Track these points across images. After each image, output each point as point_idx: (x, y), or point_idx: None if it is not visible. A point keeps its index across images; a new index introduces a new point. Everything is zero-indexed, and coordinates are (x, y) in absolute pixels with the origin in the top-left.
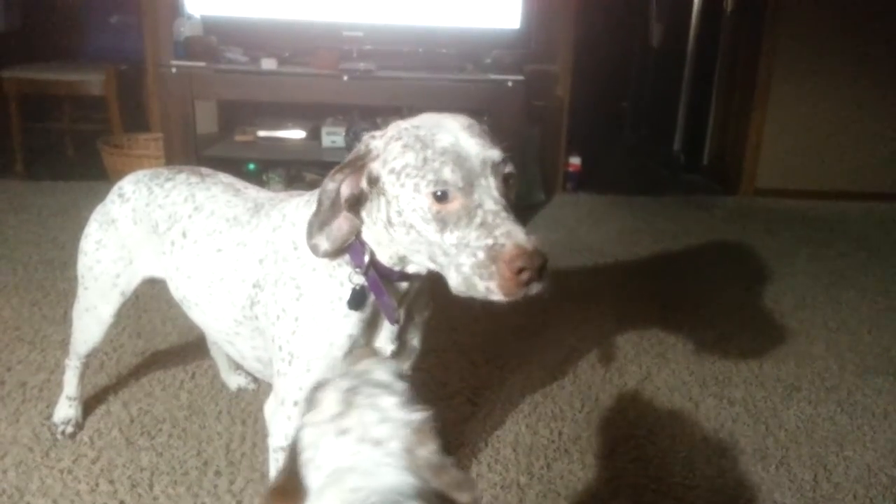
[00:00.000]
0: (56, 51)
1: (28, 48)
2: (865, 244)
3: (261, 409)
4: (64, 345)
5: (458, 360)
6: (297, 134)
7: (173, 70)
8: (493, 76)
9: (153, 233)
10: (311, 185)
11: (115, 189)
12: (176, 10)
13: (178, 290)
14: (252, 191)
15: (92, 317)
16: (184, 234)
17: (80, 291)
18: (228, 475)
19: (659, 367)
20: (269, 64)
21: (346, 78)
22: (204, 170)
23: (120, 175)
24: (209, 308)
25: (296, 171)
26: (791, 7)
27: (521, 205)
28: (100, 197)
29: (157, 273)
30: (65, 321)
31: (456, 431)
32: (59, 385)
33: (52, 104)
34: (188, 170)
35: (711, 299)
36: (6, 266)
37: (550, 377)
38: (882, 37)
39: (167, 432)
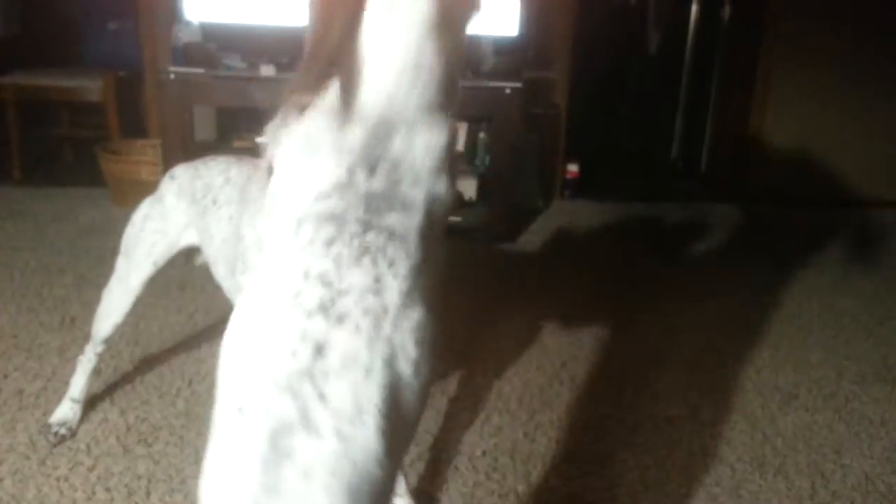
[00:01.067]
0: (54, 57)
1: (26, 54)
2: (863, 252)
3: None
4: (61, 352)
5: (456, 366)
6: None
7: (172, 76)
8: (491, 83)
9: (192, 203)
10: None
11: (168, 172)
12: (174, 17)
13: (206, 251)
14: None
15: (122, 287)
16: (214, 202)
17: (118, 263)
18: None
19: (657, 375)
20: (267, 70)
21: None
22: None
23: (118, 181)
24: (219, 269)
25: None
26: (788, 15)
27: (519, 211)
28: (97, 202)
29: (192, 241)
30: (62, 328)
31: (454, 439)
32: (57, 392)
33: (49, 110)
34: (236, 157)
35: (709, 306)
36: (3, 272)
37: (548, 385)
38: (879, 45)
39: (164, 440)
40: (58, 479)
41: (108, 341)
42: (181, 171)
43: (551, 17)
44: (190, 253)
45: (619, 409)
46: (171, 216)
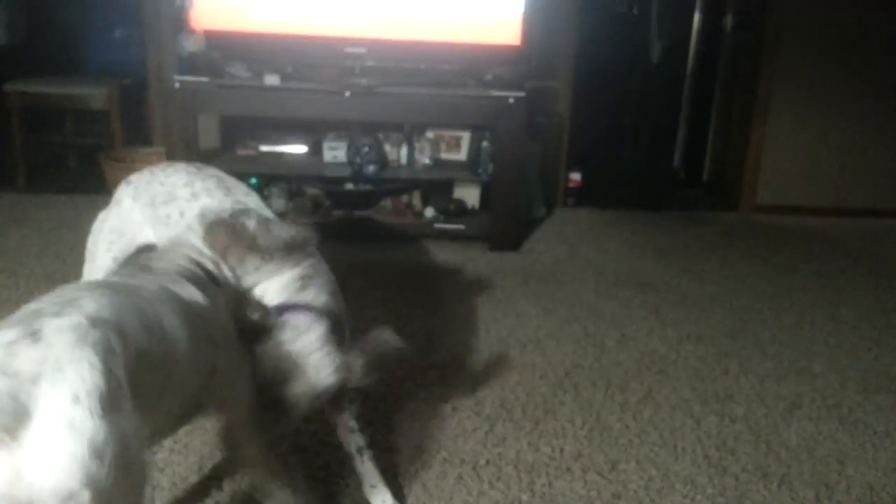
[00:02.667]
0: (59, 65)
1: (31, 62)
2: (865, 261)
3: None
4: None
5: (460, 375)
6: (298, 149)
7: (177, 85)
8: (494, 92)
9: (150, 205)
10: (312, 199)
11: (123, 180)
12: (179, 25)
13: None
14: (239, 193)
15: None
16: (181, 214)
17: (84, 270)
18: (230, 492)
19: (660, 384)
20: (271, 79)
21: (347, 94)
22: (198, 164)
23: None
24: None
25: (297, 185)
26: (790, 25)
27: (521, 219)
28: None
29: (149, 240)
30: None
31: (457, 447)
32: None
33: (54, 118)
34: (185, 163)
35: (712, 316)
36: (8, 280)
37: (552, 394)
38: (880, 55)
39: (168, 448)
40: None
41: None
42: (135, 177)
43: (554, 27)
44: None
45: (623, 418)
46: (125, 217)
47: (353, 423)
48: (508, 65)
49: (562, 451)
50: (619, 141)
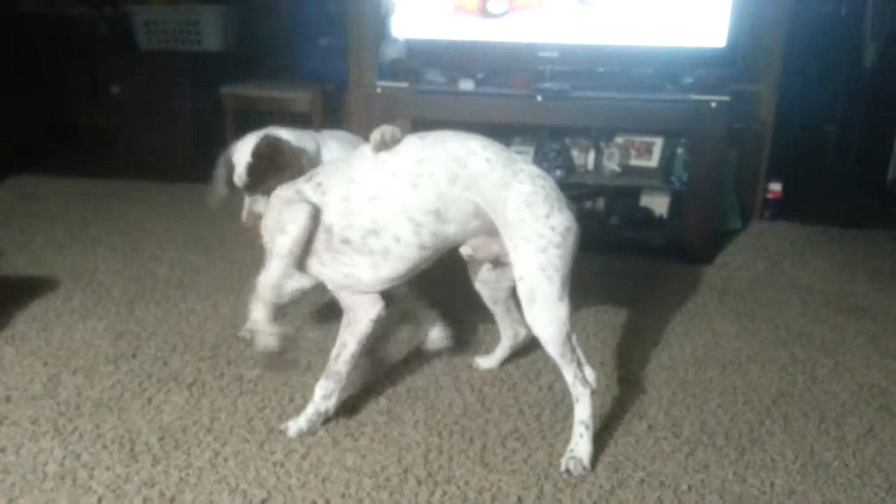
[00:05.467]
0: (269, 69)
1: (244, 66)
2: None
3: (457, 423)
4: None
5: (653, 393)
6: None
7: (378, 90)
8: (694, 96)
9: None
10: None
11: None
12: (380, 34)
13: None
14: None
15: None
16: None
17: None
18: (429, 486)
19: (884, 422)
20: (466, 84)
21: (540, 98)
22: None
23: None
24: None
25: None
26: None
27: (715, 231)
28: None
29: None
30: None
31: (655, 468)
32: (272, 380)
33: (261, 118)
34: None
35: None
36: (225, 266)
37: (758, 422)
38: None
39: (369, 436)
40: (274, 465)
41: None
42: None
43: (761, 28)
44: None
45: (841, 455)
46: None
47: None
48: (710, 67)
49: (772, 485)
50: (823, 150)
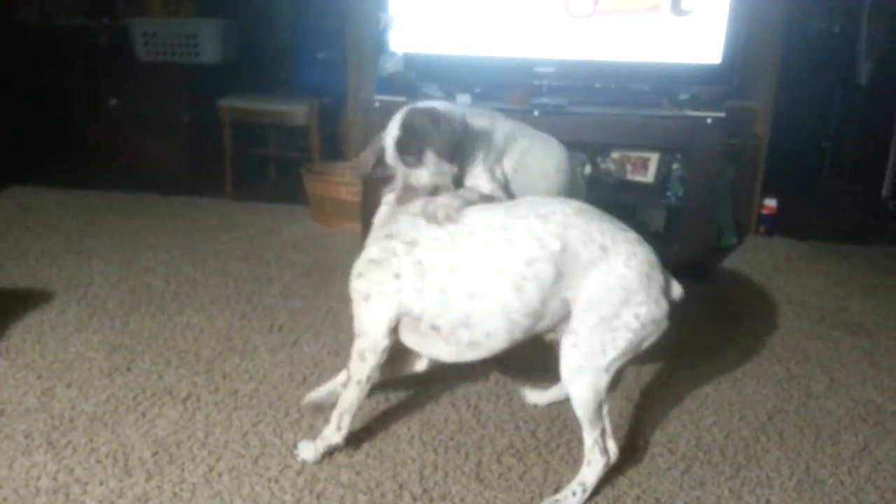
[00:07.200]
0: (267, 82)
1: (242, 79)
2: None
3: (452, 438)
4: (272, 356)
5: (649, 409)
6: None
7: (376, 104)
8: (690, 112)
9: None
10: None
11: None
12: (379, 48)
13: None
14: None
15: None
16: None
17: None
18: (424, 502)
19: (879, 439)
20: (463, 99)
21: (536, 113)
22: None
23: (319, 200)
24: None
25: None
26: None
27: (710, 247)
28: (299, 219)
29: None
30: (271, 334)
31: (650, 485)
32: (268, 395)
33: (259, 131)
34: None
35: None
36: (219, 279)
37: (753, 438)
38: None
39: (364, 451)
40: (269, 480)
41: None
42: None
43: (756, 45)
44: None
45: (837, 472)
46: None
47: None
48: (706, 84)
49: (768, 502)
50: (818, 166)
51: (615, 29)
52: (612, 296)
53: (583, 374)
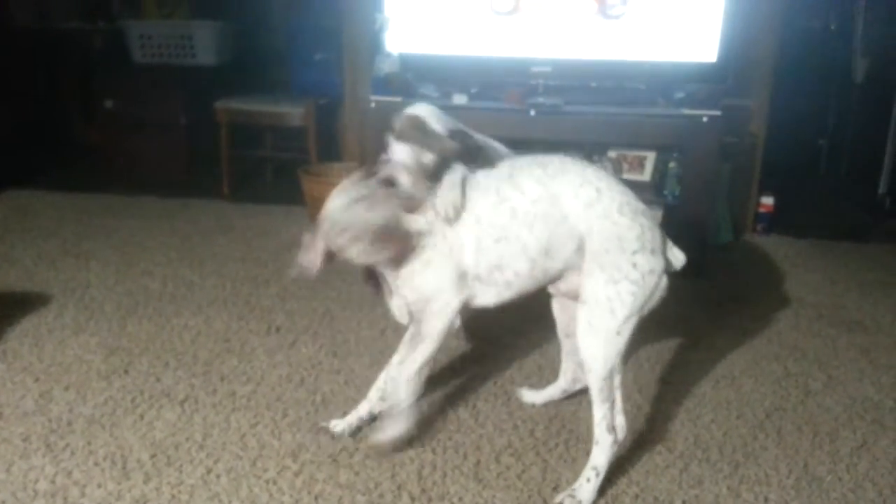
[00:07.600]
0: (263, 84)
1: (238, 81)
2: None
3: (451, 438)
4: (269, 357)
5: (647, 408)
6: None
7: (372, 104)
8: (686, 111)
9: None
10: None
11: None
12: (375, 48)
13: None
14: None
15: None
16: None
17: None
18: (422, 502)
19: (876, 436)
20: (459, 99)
21: (532, 112)
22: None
23: (316, 201)
24: None
25: None
26: None
27: (707, 245)
28: (296, 220)
29: None
30: (269, 335)
31: (648, 484)
32: (266, 397)
33: (255, 133)
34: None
35: None
36: (217, 281)
37: (751, 436)
38: None
39: (363, 452)
40: (267, 482)
41: None
42: None
43: (752, 43)
44: None
45: (835, 469)
46: None
47: None
48: (702, 82)
49: (766, 499)
50: (815, 164)
51: (611, 28)
52: (609, 244)
53: (594, 333)
